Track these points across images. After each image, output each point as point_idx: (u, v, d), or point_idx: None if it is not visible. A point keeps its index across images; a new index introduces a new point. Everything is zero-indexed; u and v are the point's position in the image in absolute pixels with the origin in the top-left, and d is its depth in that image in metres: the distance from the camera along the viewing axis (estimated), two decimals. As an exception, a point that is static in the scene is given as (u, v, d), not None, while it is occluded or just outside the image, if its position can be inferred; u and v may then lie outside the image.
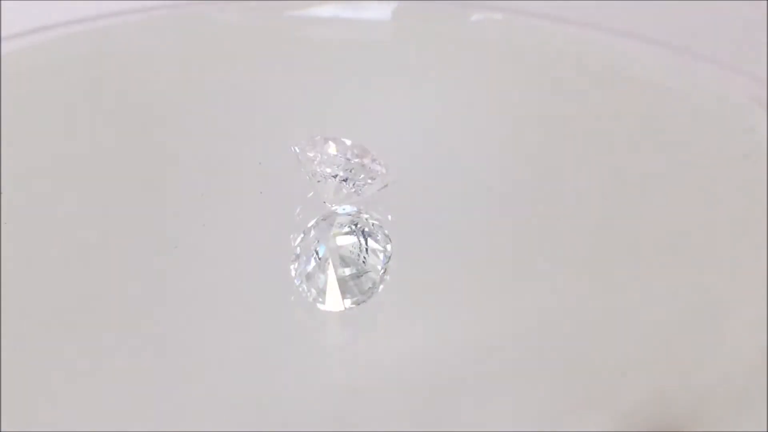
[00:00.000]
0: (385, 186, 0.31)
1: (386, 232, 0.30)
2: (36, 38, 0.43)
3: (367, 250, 0.30)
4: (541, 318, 0.31)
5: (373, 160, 0.30)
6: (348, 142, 0.30)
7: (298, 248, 0.30)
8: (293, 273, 0.30)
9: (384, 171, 0.30)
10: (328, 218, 0.30)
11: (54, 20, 0.44)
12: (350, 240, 0.30)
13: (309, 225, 0.30)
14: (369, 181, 0.30)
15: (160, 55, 0.44)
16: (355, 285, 0.30)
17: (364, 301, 0.30)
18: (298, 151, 0.30)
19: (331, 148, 0.30)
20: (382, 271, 0.30)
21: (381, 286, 0.30)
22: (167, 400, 0.29)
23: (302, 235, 0.30)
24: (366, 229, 0.30)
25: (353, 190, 0.30)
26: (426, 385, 0.29)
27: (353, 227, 0.30)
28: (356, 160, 0.30)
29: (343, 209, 0.30)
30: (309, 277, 0.30)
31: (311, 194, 0.31)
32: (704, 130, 0.38)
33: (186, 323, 0.31)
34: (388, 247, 0.30)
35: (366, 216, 0.30)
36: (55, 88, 0.41)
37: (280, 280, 0.31)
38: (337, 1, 0.47)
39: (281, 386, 0.29)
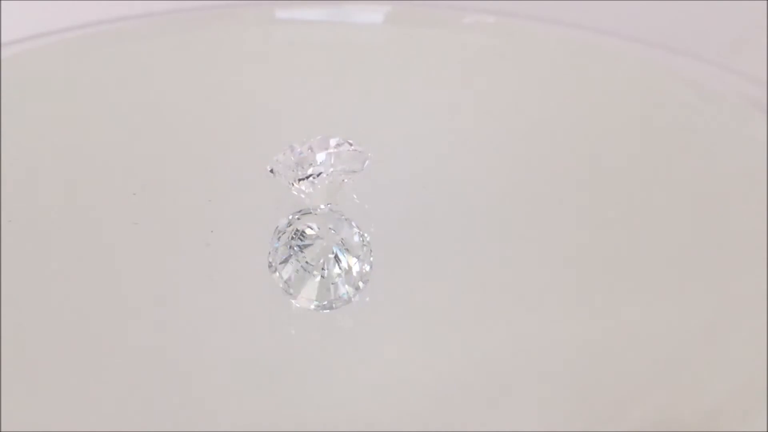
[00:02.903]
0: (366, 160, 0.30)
1: (367, 239, 0.30)
2: (35, 43, 0.43)
3: (343, 253, 0.29)
4: (544, 337, 0.30)
5: (349, 149, 0.30)
6: (321, 139, 0.30)
7: (278, 235, 0.30)
8: (269, 259, 0.30)
9: (361, 155, 0.30)
10: (307, 215, 0.30)
11: (53, 26, 0.44)
12: (327, 241, 0.29)
13: (293, 215, 0.30)
14: (346, 170, 0.30)
15: (156, 59, 0.44)
16: (324, 287, 0.30)
17: (337, 306, 0.30)
18: (273, 172, 0.30)
19: (304, 150, 0.30)
20: (359, 278, 0.30)
21: (356, 294, 0.30)
22: (166, 400, 0.28)
23: (285, 223, 0.30)
24: (344, 232, 0.30)
25: (329, 181, 0.30)
26: (421, 402, 0.28)
27: (330, 230, 0.30)
28: (332, 152, 0.30)
29: (327, 210, 0.30)
30: (281, 267, 0.30)
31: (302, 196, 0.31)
32: (703, 131, 0.38)
33: (186, 324, 0.30)
34: (368, 254, 0.30)
35: (345, 218, 0.30)
36: (54, 93, 0.41)
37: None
38: (328, 4, 0.47)
39: (280, 398, 0.29)
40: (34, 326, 0.30)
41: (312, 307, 0.30)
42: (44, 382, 0.28)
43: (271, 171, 0.30)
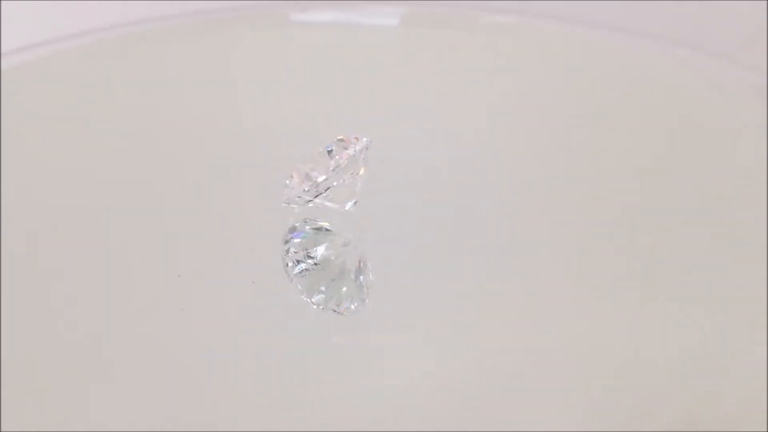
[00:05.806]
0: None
1: (365, 261, 0.30)
2: (36, 52, 0.43)
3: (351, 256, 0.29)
4: (560, 338, 0.30)
5: (356, 146, 0.30)
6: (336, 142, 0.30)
7: (290, 239, 0.30)
8: (283, 252, 0.30)
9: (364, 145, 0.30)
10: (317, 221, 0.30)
11: (54, 34, 0.44)
12: (336, 246, 0.29)
13: (306, 220, 0.30)
14: (357, 167, 0.30)
15: (169, 63, 0.44)
16: (334, 289, 0.29)
17: (347, 308, 0.30)
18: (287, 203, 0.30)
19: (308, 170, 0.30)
20: (367, 280, 0.29)
21: (365, 295, 0.30)
22: (167, 401, 0.28)
23: (296, 226, 0.30)
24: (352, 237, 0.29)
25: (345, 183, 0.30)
26: (433, 413, 0.28)
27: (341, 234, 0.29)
28: (346, 155, 0.30)
29: (348, 210, 0.30)
30: (293, 271, 0.30)
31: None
32: (707, 127, 0.38)
33: (186, 325, 0.30)
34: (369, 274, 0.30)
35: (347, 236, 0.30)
36: (55, 101, 0.41)
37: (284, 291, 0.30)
38: (343, 6, 0.47)
39: (283, 401, 0.29)
40: (35, 327, 0.30)
41: (321, 308, 0.30)
42: (44, 382, 0.28)
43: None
